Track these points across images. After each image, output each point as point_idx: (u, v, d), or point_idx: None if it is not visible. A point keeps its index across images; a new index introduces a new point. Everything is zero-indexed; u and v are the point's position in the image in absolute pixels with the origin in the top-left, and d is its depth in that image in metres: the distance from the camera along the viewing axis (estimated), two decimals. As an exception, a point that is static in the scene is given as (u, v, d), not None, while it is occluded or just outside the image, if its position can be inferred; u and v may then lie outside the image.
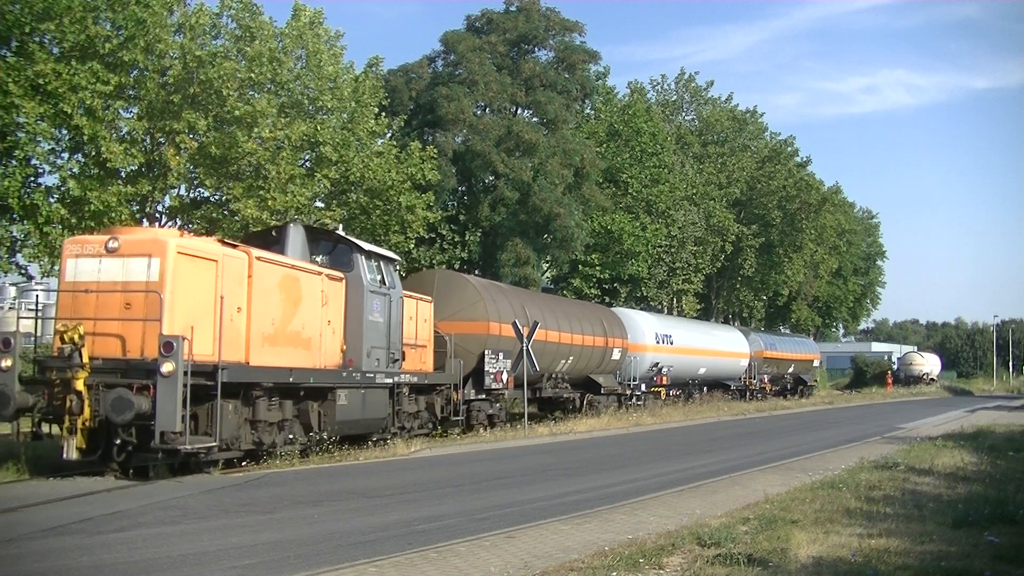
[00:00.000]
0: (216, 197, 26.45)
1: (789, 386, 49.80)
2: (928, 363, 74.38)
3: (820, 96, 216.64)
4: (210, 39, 24.86)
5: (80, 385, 12.10)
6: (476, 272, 33.73)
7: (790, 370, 49.84)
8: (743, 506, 11.36)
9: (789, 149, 57.66)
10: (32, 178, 22.05)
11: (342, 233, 18.58)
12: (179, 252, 12.66)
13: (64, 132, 22.29)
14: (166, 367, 11.73)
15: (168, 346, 11.84)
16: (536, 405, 26.35)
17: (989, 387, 77.06)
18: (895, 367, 76.89)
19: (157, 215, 25.77)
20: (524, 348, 23.28)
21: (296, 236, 16.69)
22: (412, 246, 29.75)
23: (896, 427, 27.68)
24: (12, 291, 57.88)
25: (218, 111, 23.95)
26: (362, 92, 28.11)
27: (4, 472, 13.00)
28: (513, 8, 34.82)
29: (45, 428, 12.94)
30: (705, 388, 40.03)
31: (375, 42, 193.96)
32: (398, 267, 19.48)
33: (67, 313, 12.67)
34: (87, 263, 12.69)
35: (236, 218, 25.12)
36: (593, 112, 42.38)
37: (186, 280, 12.72)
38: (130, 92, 23.38)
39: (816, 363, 55.64)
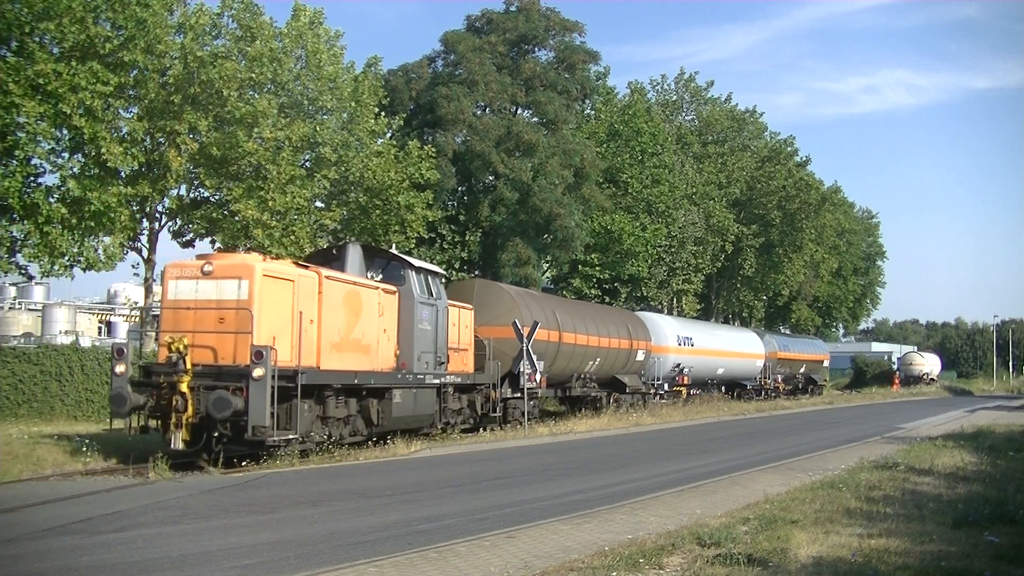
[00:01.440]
0: (216, 197, 26.45)
1: (800, 385, 51.57)
2: (928, 363, 74.36)
3: (820, 96, 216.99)
4: (211, 39, 24.86)
5: (184, 387, 14.05)
6: (476, 272, 33.75)
7: (801, 370, 51.72)
8: (743, 506, 11.36)
9: (789, 149, 57.66)
10: (32, 178, 22.05)
11: (395, 252, 20.65)
12: (264, 275, 14.75)
13: (64, 132, 22.28)
14: (257, 372, 13.77)
15: (259, 354, 13.88)
16: (566, 403, 28.29)
17: (989, 387, 77.02)
18: (895, 367, 76.92)
19: (157, 215, 25.78)
20: (524, 348, 23.33)
21: (354, 255, 18.83)
22: (412, 246, 29.76)
23: (896, 427, 27.67)
24: (12, 291, 58.08)
25: (218, 111, 23.95)
26: (362, 92, 28.11)
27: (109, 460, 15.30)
28: (513, 8, 34.82)
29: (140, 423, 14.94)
30: (723, 387, 41.58)
31: (375, 42, 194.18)
32: (443, 280, 21.33)
33: (170, 327, 14.71)
34: (186, 284, 14.81)
35: (236, 218, 25.12)
36: (593, 112, 42.36)
37: (270, 298, 14.81)
38: (130, 92, 23.37)
39: (825, 363, 57.55)
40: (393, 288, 18.63)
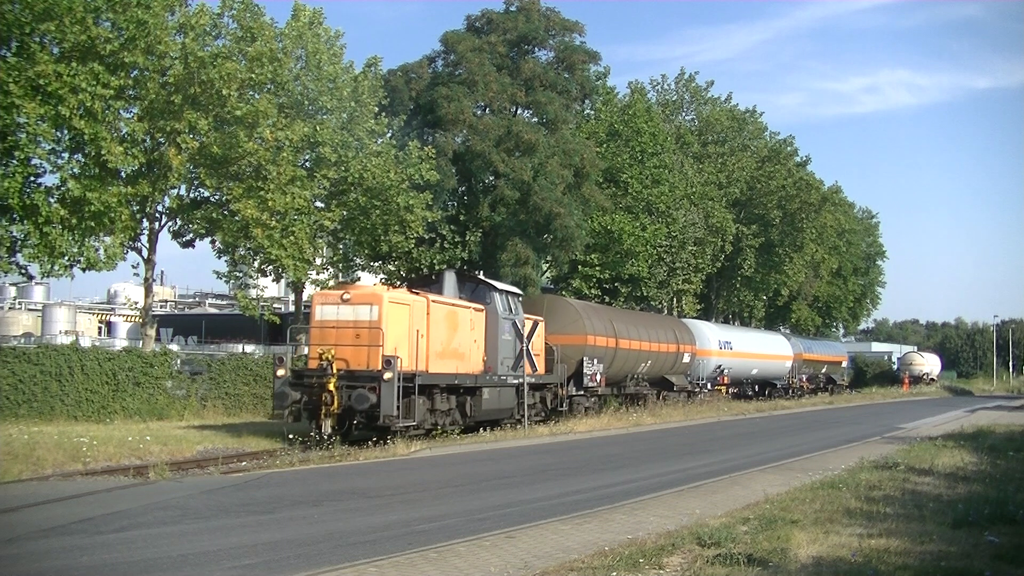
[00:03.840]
0: (216, 197, 26.45)
1: (822, 384, 55.21)
2: (928, 363, 74.36)
3: (821, 96, 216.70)
4: (211, 39, 24.86)
5: (331, 387, 17.88)
6: (477, 272, 33.79)
7: (823, 370, 55.44)
8: (743, 506, 11.37)
9: (789, 149, 57.62)
10: (32, 178, 22.04)
11: (483, 277, 25.44)
12: (389, 301, 18.73)
13: (64, 132, 22.28)
14: (387, 375, 17.65)
15: (388, 362, 17.82)
16: (621, 400, 31.30)
17: (989, 387, 77.02)
18: (896, 367, 76.89)
19: (157, 215, 25.78)
20: (524, 348, 23.40)
21: (450, 280, 22.76)
22: (412, 246, 29.75)
23: (896, 427, 27.68)
24: (12, 291, 58.12)
25: (218, 111, 23.94)
26: (361, 92, 28.11)
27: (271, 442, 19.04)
28: (513, 8, 34.77)
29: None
30: (757, 386, 45.89)
31: (375, 42, 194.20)
32: (519, 298, 25.06)
33: (317, 341, 18.66)
34: (329, 308, 18.84)
35: (236, 218, 25.13)
36: (593, 112, 42.32)
37: (393, 319, 18.72)
38: (130, 93, 23.37)
39: (844, 364, 61.03)
40: (481, 307, 22.59)
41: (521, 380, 23.47)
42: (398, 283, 22.63)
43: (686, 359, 36.11)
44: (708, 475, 15.09)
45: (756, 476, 14.97)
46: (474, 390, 21.57)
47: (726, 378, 40.19)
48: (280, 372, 18.57)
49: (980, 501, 10.68)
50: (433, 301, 20.24)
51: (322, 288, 26.21)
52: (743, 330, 48.70)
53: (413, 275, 30.19)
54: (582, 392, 27.88)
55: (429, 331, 19.86)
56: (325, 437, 17.79)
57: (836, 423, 30.74)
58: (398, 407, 17.78)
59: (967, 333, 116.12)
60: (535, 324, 25.26)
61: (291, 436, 18.14)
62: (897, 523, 9.85)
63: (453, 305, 21.32)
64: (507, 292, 24.00)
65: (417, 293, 20.33)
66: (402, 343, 18.76)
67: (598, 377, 28.00)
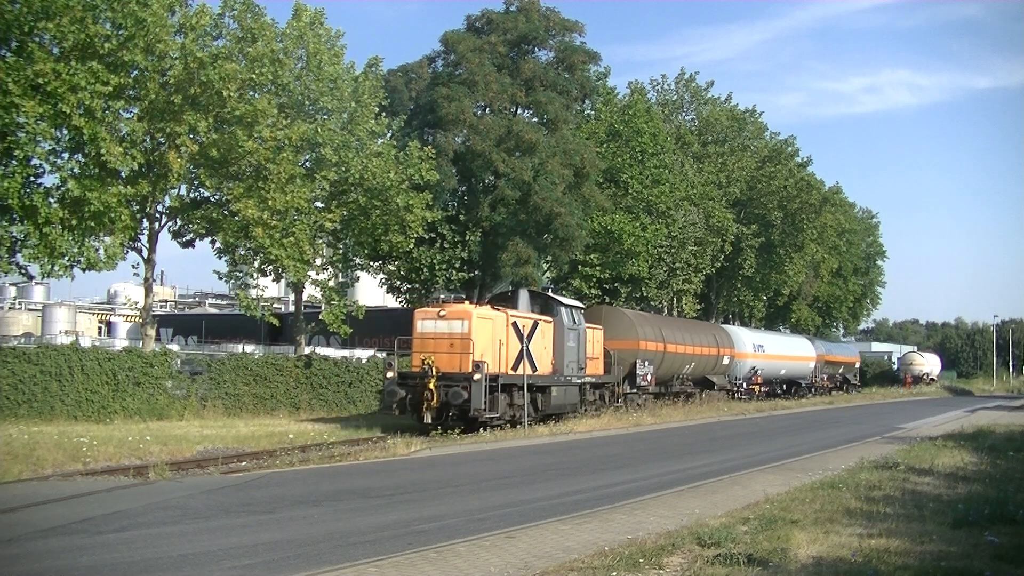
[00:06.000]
0: (216, 197, 26.44)
1: (839, 383, 58.50)
2: (928, 363, 74.37)
3: (822, 96, 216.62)
4: (211, 40, 24.83)
5: (432, 386, 21.50)
6: (476, 272, 33.79)
7: (840, 370, 58.75)
8: (743, 506, 11.36)
9: (789, 149, 57.57)
10: (32, 178, 22.02)
11: (551, 294, 29.07)
12: (477, 317, 22.41)
13: (64, 132, 22.26)
14: (476, 376, 21.28)
15: (477, 366, 21.46)
16: (667, 397, 34.82)
17: (989, 387, 76.98)
18: (896, 367, 76.85)
19: (157, 215, 25.77)
20: (524, 348, 23.48)
21: (524, 297, 26.43)
22: (412, 246, 29.75)
23: (896, 427, 27.68)
24: (12, 291, 58.14)
25: (219, 111, 23.93)
26: (362, 92, 28.08)
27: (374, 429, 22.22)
28: (513, 8, 34.75)
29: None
30: (785, 385, 49.59)
31: (375, 42, 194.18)
32: (581, 311, 28.52)
33: (419, 349, 22.42)
34: (429, 322, 22.52)
35: (236, 218, 25.12)
36: (593, 112, 42.28)
37: (480, 331, 22.33)
38: (130, 93, 23.35)
39: (857, 364, 64.48)
40: (549, 319, 26.04)
41: (583, 380, 27.61)
42: (482, 302, 26.89)
43: (725, 361, 40.12)
44: (708, 475, 15.09)
45: (756, 476, 14.96)
46: (544, 388, 25.02)
47: (759, 378, 43.81)
48: (389, 374, 22.42)
49: (980, 501, 10.67)
50: (511, 315, 23.94)
51: (323, 289, 28.17)
52: (773, 334, 52.45)
53: (414, 277, 32.63)
54: (635, 390, 31.98)
55: (508, 340, 23.35)
56: (428, 423, 21.49)
57: (836, 423, 30.73)
58: (485, 402, 21.42)
59: (967, 333, 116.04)
60: (595, 332, 28.97)
61: (393, 429, 21.61)
62: (897, 523, 9.85)
63: (526, 318, 24.89)
64: (571, 306, 27.74)
65: (498, 309, 24.09)
66: (487, 350, 22.40)
67: (649, 377, 32.23)
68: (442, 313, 22.44)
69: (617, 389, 30.95)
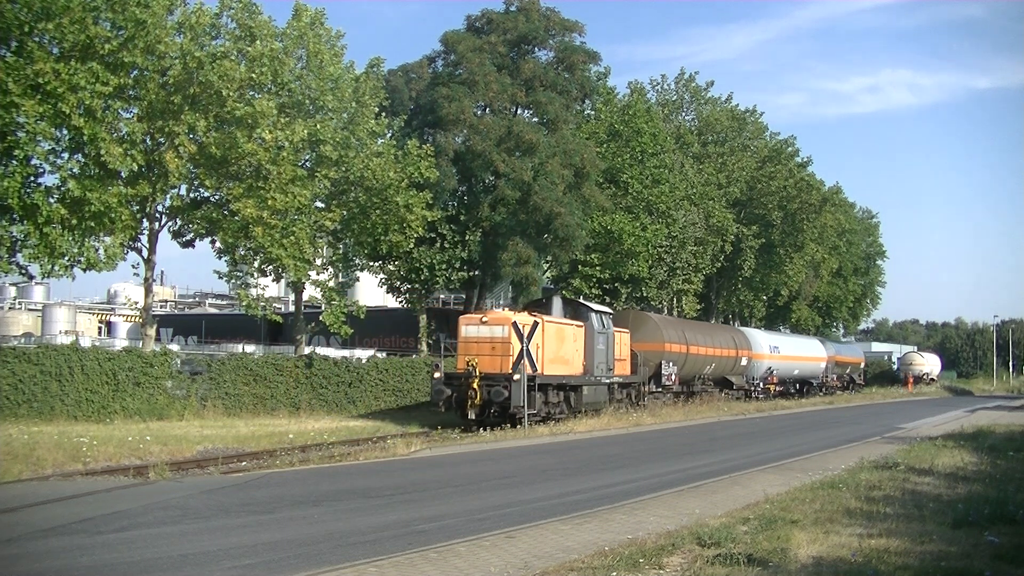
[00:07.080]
0: (216, 197, 26.44)
1: (846, 383, 60.29)
2: (928, 363, 74.33)
3: (822, 96, 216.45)
4: (210, 39, 24.82)
5: (475, 385, 23.37)
6: (476, 272, 33.79)
7: (847, 371, 60.64)
8: (743, 506, 11.36)
9: (789, 149, 57.56)
10: (32, 178, 22.01)
11: (582, 300, 31.46)
12: (514, 323, 24.04)
13: (64, 132, 22.25)
14: (516, 376, 23.10)
15: (515, 367, 23.21)
16: (688, 396, 36.38)
17: (989, 387, 76.96)
18: (896, 367, 76.83)
19: (157, 215, 25.77)
20: (524, 348, 23.52)
21: (557, 304, 28.28)
22: (412, 246, 29.75)
23: (896, 427, 27.67)
24: (12, 291, 58.12)
25: (218, 111, 23.92)
26: (362, 93, 28.08)
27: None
28: (513, 8, 34.74)
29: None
30: (797, 384, 51.21)
31: (376, 42, 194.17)
32: (610, 316, 30.24)
33: (463, 352, 24.38)
34: (472, 328, 24.54)
35: (236, 218, 25.12)
36: (593, 112, 42.27)
37: (517, 336, 23.93)
38: (130, 93, 23.35)
39: (862, 365, 66.38)
40: (580, 324, 27.77)
41: (611, 380, 29.53)
42: (519, 308, 28.34)
43: (743, 362, 42.08)
44: (708, 475, 15.08)
45: (756, 476, 14.96)
46: (577, 387, 27.00)
47: (775, 378, 45.52)
48: (437, 374, 24.48)
49: (980, 501, 10.67)
50: (546, 321, 25.61)
51: (323, 290, 28.72)
52: (787, 336, 54.26)
53: (414, 277, 32.77)
54: (660, 389, 33.97)
55: (544, 344, 24.95)
56: (471, 419, 23.37)
57: (836, 423, 30.72)
58: (524, 399, 23.16)
59: (967, 333, 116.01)
60: (622, 335, 30.80)
61: (437, 427, 23.40)
62: (897, 523, 9.85)
63: (560, 323, 26.79)
64: (600, 312, 29.68)
65: (534, 315, 25.94)
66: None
67: (672, 377, 34.14)
68: (484, 319, 24.74)
69: (643, 388, 32.87)
